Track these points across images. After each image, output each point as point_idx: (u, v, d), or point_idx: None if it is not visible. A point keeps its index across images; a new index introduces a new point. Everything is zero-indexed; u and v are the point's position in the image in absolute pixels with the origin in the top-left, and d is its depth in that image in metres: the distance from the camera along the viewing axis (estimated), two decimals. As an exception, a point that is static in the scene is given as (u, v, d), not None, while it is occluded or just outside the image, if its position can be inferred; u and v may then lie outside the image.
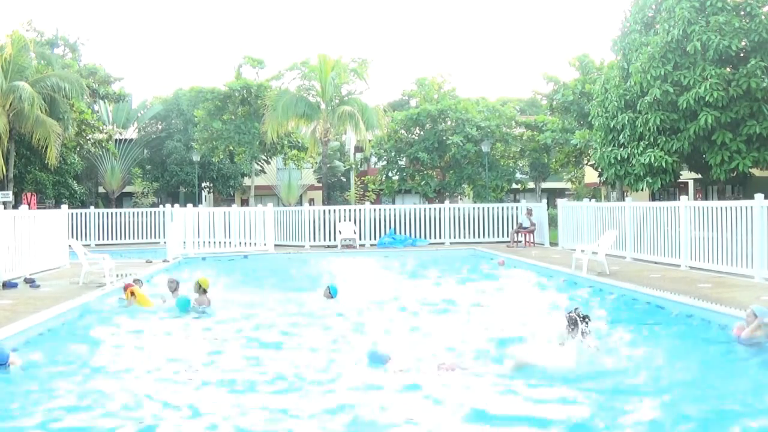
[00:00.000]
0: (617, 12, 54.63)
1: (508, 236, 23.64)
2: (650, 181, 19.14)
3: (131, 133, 42.10)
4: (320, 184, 38.34)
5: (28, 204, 28.46)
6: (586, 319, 7.57)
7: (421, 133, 32.13)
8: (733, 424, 5.51)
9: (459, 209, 25.07)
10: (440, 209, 24.74)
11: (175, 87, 41.95)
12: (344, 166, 47.65)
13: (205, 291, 10.94)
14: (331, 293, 11.79)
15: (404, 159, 32.76)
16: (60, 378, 6.96)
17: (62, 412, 5.89)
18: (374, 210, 24.43)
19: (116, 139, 37.92)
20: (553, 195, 42.22)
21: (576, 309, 7.91)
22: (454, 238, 24.35)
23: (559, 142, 31.26)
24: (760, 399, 6.19)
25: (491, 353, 7.86)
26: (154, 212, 26.54)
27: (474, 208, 25.06)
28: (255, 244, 21.62)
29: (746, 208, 12.64)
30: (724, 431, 5.45)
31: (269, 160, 39.56)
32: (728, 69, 17.77)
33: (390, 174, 32.84)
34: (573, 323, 7.50)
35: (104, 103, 37.91)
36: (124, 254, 20.46)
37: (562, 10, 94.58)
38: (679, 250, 14.82)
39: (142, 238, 25.85)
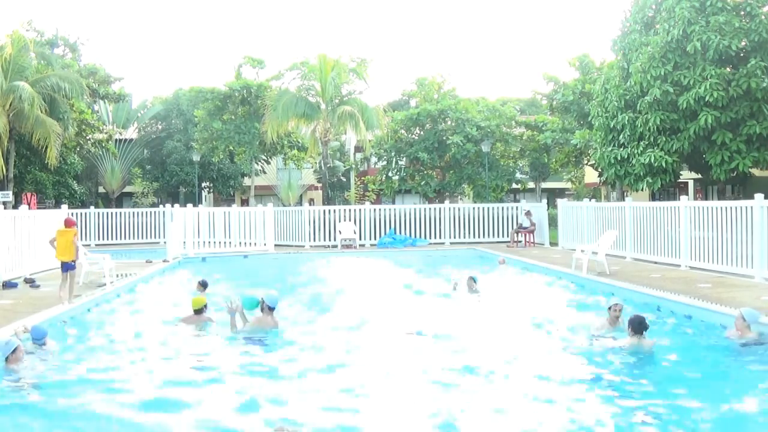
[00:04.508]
0: (617, 12, 54.71)
1: (508, 236, 23.64)
2: (650, 181, 19.13)
3: (131, 133, 42.06)
4: (320, 184, 38.28)
5: (28, 204, 28.44)
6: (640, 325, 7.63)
7: (421, 133, 32.10)
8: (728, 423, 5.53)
9: (459, 209, 25.07)
10: (440, 209, 24.73)
11: (175, 87, 41.97)
12: (344, 166, 47.61)
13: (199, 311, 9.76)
14: None
15: (404, 159, 32.72)
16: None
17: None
18: (374, 210, 24.42)
19: (116, 139, 37.90)
20: (553, 195, 42.19)
21: (616, 305, 8.69)
22: (454, 238, 24.34)
23: (559, 142, 31.24)
24: (752, 398, 6.21)
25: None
26: (154, 212, 26.54)
27: (474, 208, 25.05)
28: (255, 244, 21.62)
29: (746, 208, 12.64)
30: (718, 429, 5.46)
31: (269, 160, 39.54)
32: (728, 69, 17.77)
33: (390, 174, 32.79)
34: (639, 332, 7.52)
35: (104, 103, 37.86)
36: (124, 254, 20.45)
37: (562, 10, 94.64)
38: (679, 250, 14.82)
39: (142, 238, 25.85)
